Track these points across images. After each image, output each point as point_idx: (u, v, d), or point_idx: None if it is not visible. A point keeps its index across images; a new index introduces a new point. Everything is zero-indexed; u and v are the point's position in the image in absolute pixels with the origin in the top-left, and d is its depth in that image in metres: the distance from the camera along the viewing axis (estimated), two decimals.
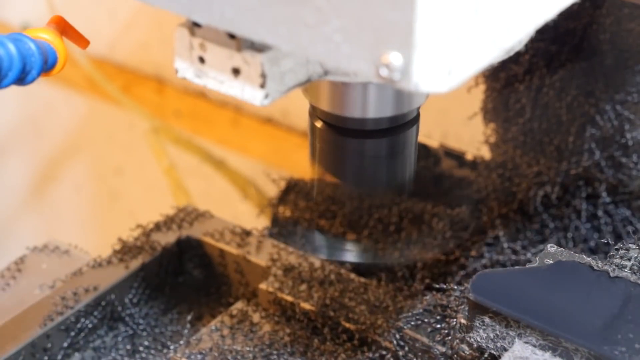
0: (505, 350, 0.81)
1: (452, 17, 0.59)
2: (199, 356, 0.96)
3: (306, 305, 1.00)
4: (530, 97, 1.12)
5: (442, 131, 1.56)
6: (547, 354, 0.79)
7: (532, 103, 1.12)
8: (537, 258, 0.85)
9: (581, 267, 0.85)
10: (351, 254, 1.11)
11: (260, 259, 1.05)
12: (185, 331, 1.02)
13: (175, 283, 1.10)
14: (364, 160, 0.87)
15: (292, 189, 1.19)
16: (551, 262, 0.85)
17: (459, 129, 1.48)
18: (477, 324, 0.82)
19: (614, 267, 0.84)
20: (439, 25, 0.59)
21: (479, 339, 0.82)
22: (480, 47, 0.62)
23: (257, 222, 1.21)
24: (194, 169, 1.81)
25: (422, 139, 1.04)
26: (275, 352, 0.97)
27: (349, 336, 0.98)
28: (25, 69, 0.74)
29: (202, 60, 0.71)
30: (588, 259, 0.85)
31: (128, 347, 1.03)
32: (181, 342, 0.99)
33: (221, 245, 1.08)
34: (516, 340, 0.80)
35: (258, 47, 0.69)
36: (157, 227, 1.11)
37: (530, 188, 1.12)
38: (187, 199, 1.69)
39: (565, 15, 0.74)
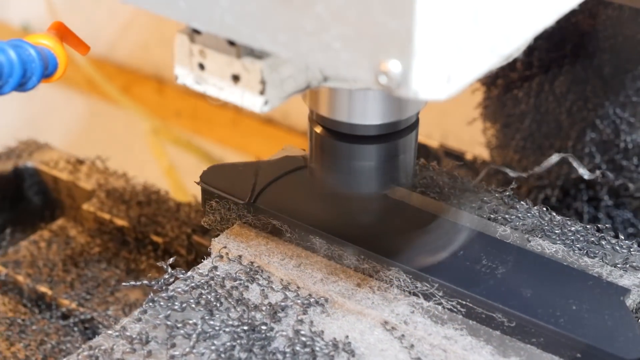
0: None
1: (451, 25, 0.59)
2: (14, 263, 1.05)
3: (119, 221, 1.08)
4: (530, 102, 1.12)
5: (442, 131, 1.56)
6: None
7: (532, 108, 1.12)
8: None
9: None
10: None
11: (88, 184, 1.13)
12: (4, 243, 1.10)
13: (14, 207, 1.17)
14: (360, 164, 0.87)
15: None
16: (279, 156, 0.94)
17: (459, 129, 1.48)
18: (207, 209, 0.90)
19: None
20: (438, 33, 0.58)
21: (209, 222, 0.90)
22: (479, 54, 0.62)
23: None
24: (194, 169, 1.81)
25: (422, 139, 1.04)
26: (83, 259, 1.06)
27: (154, 248, 1.07)
28: (26, 75, 0.74)
29: (202, 66, 0.71)
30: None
31: None
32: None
33: (54, 172, 1.15)
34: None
35: (258, 54, 0.69)
36: None
37: (531, 191, 1.12)
38: (187, 198, 1.69)
39: (563, 21, 0.74)
